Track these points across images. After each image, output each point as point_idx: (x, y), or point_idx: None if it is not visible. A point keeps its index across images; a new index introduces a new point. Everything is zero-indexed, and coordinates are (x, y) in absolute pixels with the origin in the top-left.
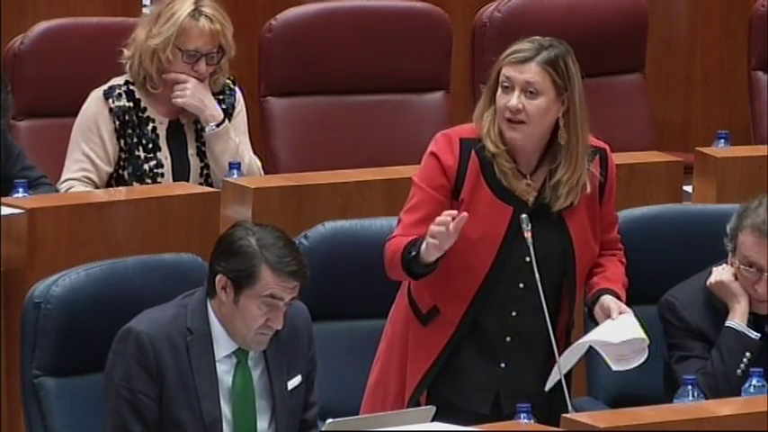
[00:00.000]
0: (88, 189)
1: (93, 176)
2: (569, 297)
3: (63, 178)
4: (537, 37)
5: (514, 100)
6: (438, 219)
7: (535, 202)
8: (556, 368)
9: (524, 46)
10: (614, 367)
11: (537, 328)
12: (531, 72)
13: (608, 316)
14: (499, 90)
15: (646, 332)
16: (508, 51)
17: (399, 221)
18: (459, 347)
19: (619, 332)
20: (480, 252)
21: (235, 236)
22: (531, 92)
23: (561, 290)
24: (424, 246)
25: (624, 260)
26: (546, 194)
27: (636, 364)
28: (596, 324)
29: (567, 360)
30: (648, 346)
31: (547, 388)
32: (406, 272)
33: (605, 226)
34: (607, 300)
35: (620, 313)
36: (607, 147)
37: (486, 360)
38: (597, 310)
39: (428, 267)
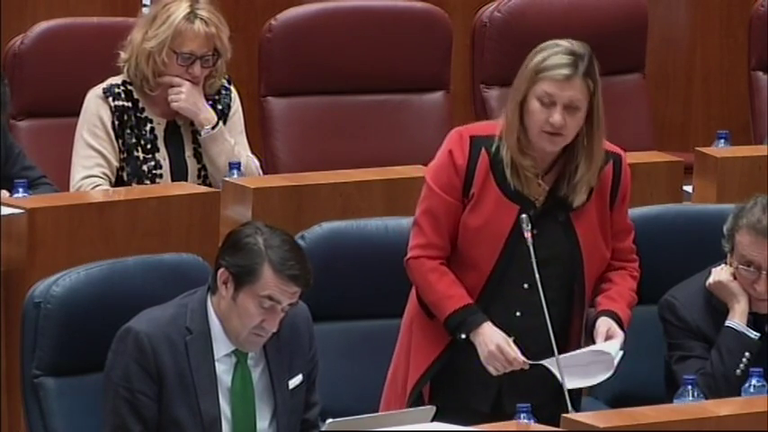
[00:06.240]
0: (105, 186)
1: (108, 172)
2: (579, 300)
3: (79, 176)
4: (562, 43)
5: (558, 116)
6: (502, 355)
7: (545, 202)
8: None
9: (562, 60)
10: (568, 385)
11: (541, 329)
12: (576, 89)
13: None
14: (536, 103)
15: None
16: (544, 65)
17: (416, 224)
18: (463, 344)
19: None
20: (485, 249)
21: (243, 233)
22: (572, 108)
23: (572, 292)
24: (478, 347)
25: (636, 273)
26: (561, 193)
27: (595, 381)
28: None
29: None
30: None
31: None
32: (442, 324)
33: (617, 233)
34: (599, 323)
35: (609, 338)
36: (622, 153)
37: None
38: (594, 333)
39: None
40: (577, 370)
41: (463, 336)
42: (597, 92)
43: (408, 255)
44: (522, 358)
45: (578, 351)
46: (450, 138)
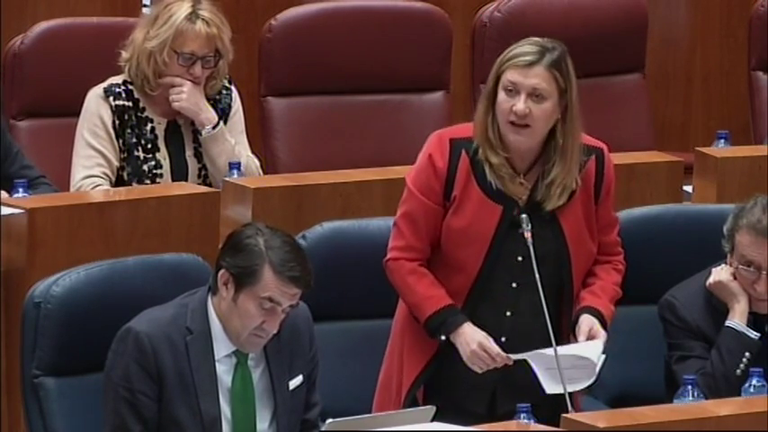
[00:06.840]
0: (105, 186)
1: (108, 171)
2: (568, 297)
3: (80, 176)
4: (534, 38)
5: (521, 104)
6: (484, 353)
7: (527, 201)
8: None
9: (527, 49)
10: (547, 390)
11: (534, 327)
12: (539, 77)
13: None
14: (502, 94)
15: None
16: (510, 55)
17: (396, 226)
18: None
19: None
20: (472, 250)
21: (244, 234)
22: (537, 96)
23: (560, 289)
24: (460, 348)
25: (621, 266)
26: (539, 193)
27: (576, 387)
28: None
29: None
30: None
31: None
32: (422, 326)
33: (603, 227)
34: (582, 321)
35: (591, 338)
36: (604, 147)
37: None
38: (577, 331)
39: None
40: (559, 373)
41: (443, 337)
42: (570, 89)
43: (387, 256)
44: (505, 354)
45: (563, 350)
46: (430, 141)
